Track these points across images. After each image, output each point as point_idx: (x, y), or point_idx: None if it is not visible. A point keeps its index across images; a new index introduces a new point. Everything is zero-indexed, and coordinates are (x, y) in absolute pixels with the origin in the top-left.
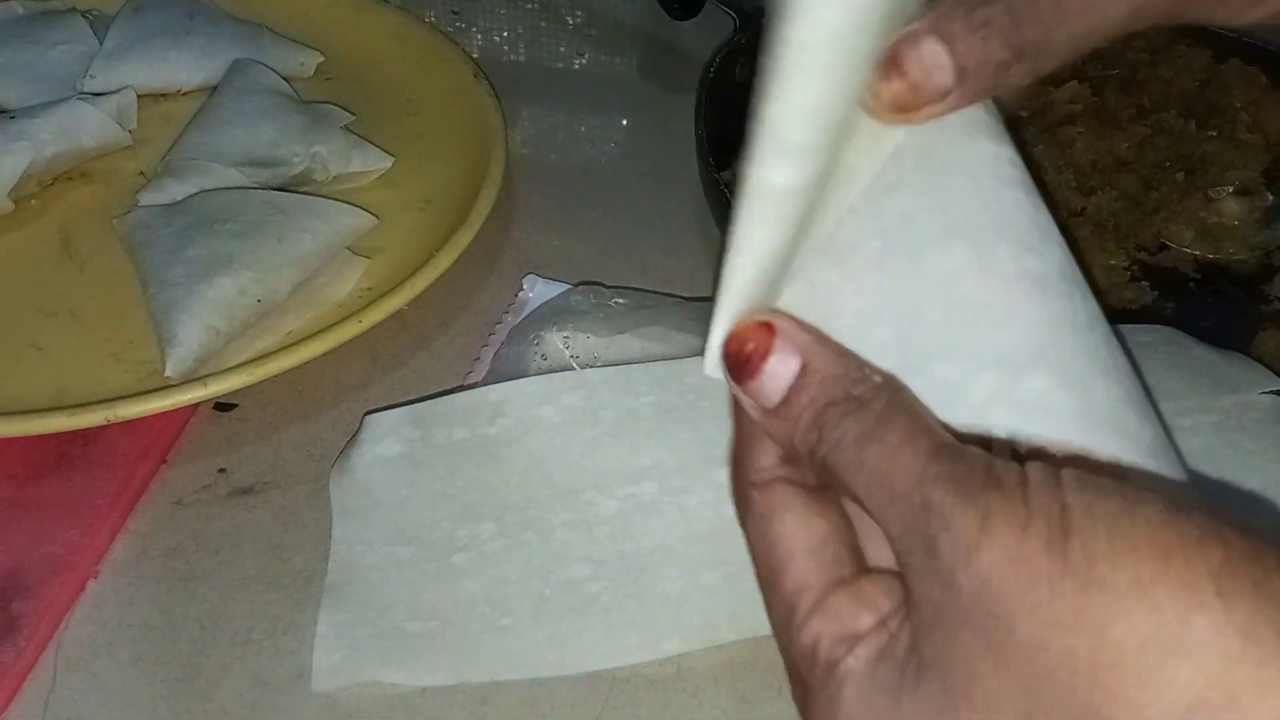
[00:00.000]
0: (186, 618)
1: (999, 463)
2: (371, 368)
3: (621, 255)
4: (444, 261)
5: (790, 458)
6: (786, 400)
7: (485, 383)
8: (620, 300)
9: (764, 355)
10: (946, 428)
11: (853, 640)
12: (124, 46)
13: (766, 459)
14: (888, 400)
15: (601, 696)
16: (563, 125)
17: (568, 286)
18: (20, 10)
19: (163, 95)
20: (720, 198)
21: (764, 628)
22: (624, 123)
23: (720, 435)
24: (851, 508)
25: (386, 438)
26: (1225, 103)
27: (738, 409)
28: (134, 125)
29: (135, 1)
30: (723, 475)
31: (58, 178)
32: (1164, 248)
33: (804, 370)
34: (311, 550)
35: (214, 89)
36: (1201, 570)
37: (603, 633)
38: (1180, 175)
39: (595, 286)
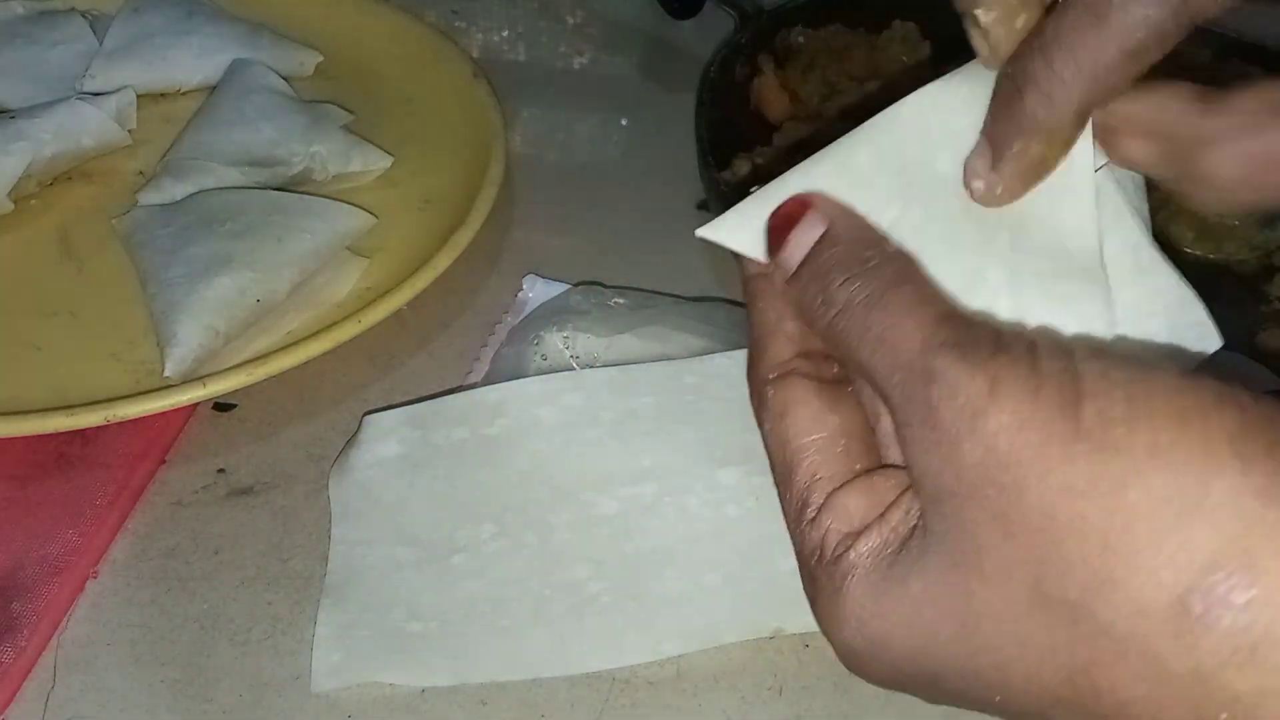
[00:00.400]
0: (186, 618)
1: (1007, 332)
2: (371, 368)
3: (621, 255)
4: (443, 261)
5: (806, 350)
6: (805, 262)
7: (485, 383)
8: (620, 300)
9: (795, 223)
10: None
11: (859, 533)
12: (124, 46)
13: (782, 352)
14: (898, 268)
15: (601, 697)
16: (563, 125)
17: (568, 286)
18: (20, 10)
19: (162, 95)
20: (721, 197)
21: (764, 629)
22: (624, 123)
23: (721, 436)
24: (868, 404)
25: (386, 438)
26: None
27: (756, 298)
28: (133, 125)
29: (135, 1)
30: (724, 476)
31: (57, 178)
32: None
33: (826, 235)
34: (311, 550)
35: (213, 89)
36: (1219, 434)
37: (603, 634)
38: None
39: (595, 286)
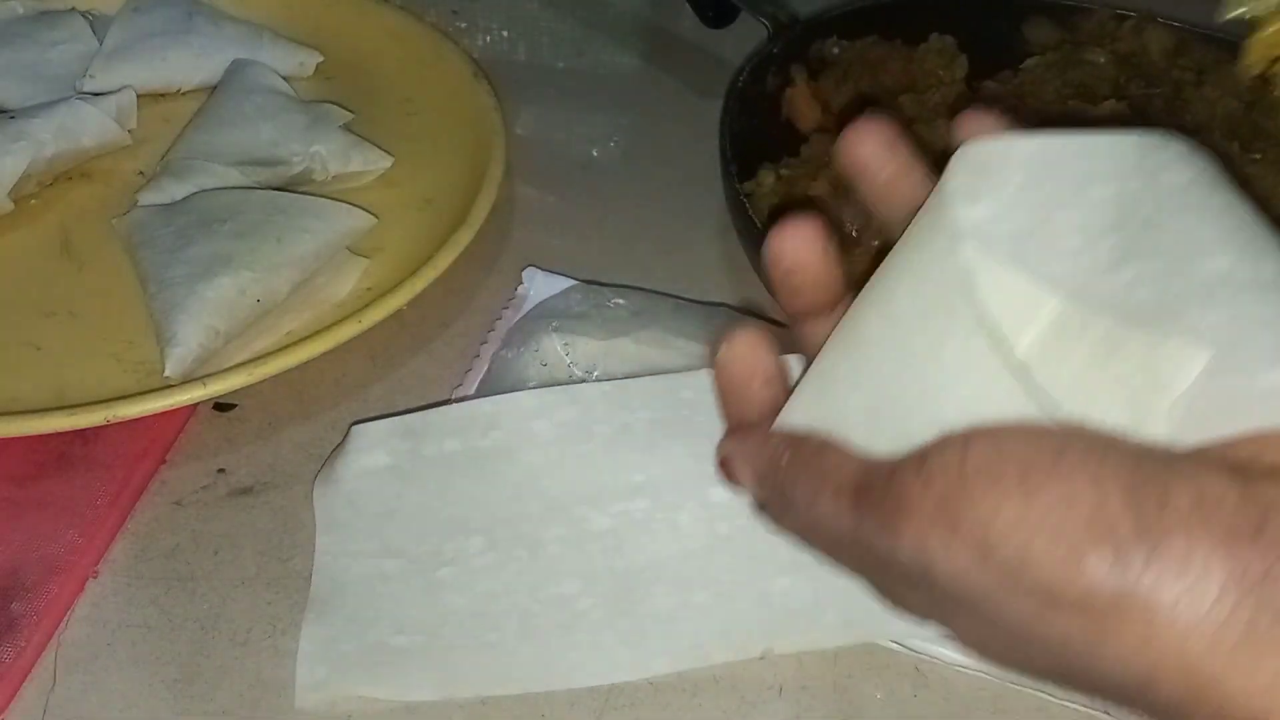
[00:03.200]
0: (186, 618)
1: (900, 480)
2: (371, 368)
3: (621, 255)
4: (444, 261)
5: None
6: (765, 505)
7: (483, 384)
8: (620, 301)
9: (735, 479)
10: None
11: None
12: (124, 46)
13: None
14: (803, 481)
15: (601, 697)
16: (563, 125)
17: (567, 280)
18: (20, 10)
19: (162, 95)
20: (741, 209)
21: (754, 649)
22: (624, 122)
23: (713, 452)
24: None
25: (374, 449)
26: (1272, 125)
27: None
28: (134, 125)
29: (135, 1)
30: (715, 493)
31: (58, 178)
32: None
33: (752, 482)
34: (311, 550)
35: (213, 89)
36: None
37: (592, 650)
38: None
39: (595, 286)
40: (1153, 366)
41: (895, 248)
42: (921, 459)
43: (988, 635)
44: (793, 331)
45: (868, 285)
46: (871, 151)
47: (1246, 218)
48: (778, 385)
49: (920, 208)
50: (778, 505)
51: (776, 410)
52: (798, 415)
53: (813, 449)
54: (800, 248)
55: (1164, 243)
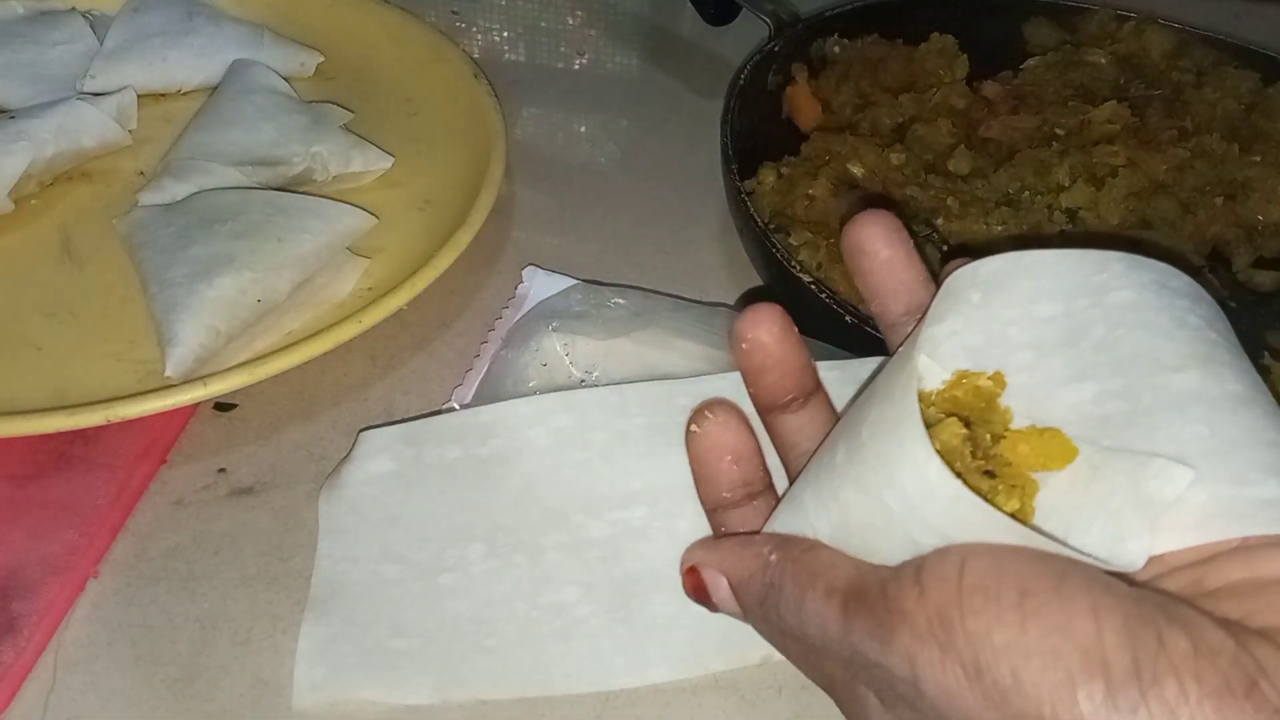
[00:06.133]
0: (186, 618)
1: (894, 591)
2: (371, 368)
3: (621, 255)
4: (444, 261)
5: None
6: (740, 606)
7: (483, 382)
8: (620, 301)
9: (702, 588)
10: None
11: None
12: (124, 46)
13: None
14: (792, 579)
15: (601, 697)
16: (563, 125)
17: (567, 278)
18: (20, 10)
19: (163, 95)
20: (742, 207)
21: (752, 657)
22: (624, 123)
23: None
24: None
25: (380, 454)
26: (1272, 127)
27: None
28: (134, 125)
29: (135, 1)
30: None
31: (58, 178)
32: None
33: (730, 582)
34: (311, 550)
35: (214, 89)
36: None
37: (590, 657)
38: (1219, 200)
39: (595, 286)
40: (1138, 485)
41: (878, 371)
42: (918, 570)
43: None
44: (766, 427)
45: (844, 413)
46: (873, 235)
47: (1197, 332)
48: (750, 464)
49: (910, 299)
50: (761, 610)
51: (749, 489)
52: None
53: (802, 548)
54: (760, 328)
55: (1122, 361)
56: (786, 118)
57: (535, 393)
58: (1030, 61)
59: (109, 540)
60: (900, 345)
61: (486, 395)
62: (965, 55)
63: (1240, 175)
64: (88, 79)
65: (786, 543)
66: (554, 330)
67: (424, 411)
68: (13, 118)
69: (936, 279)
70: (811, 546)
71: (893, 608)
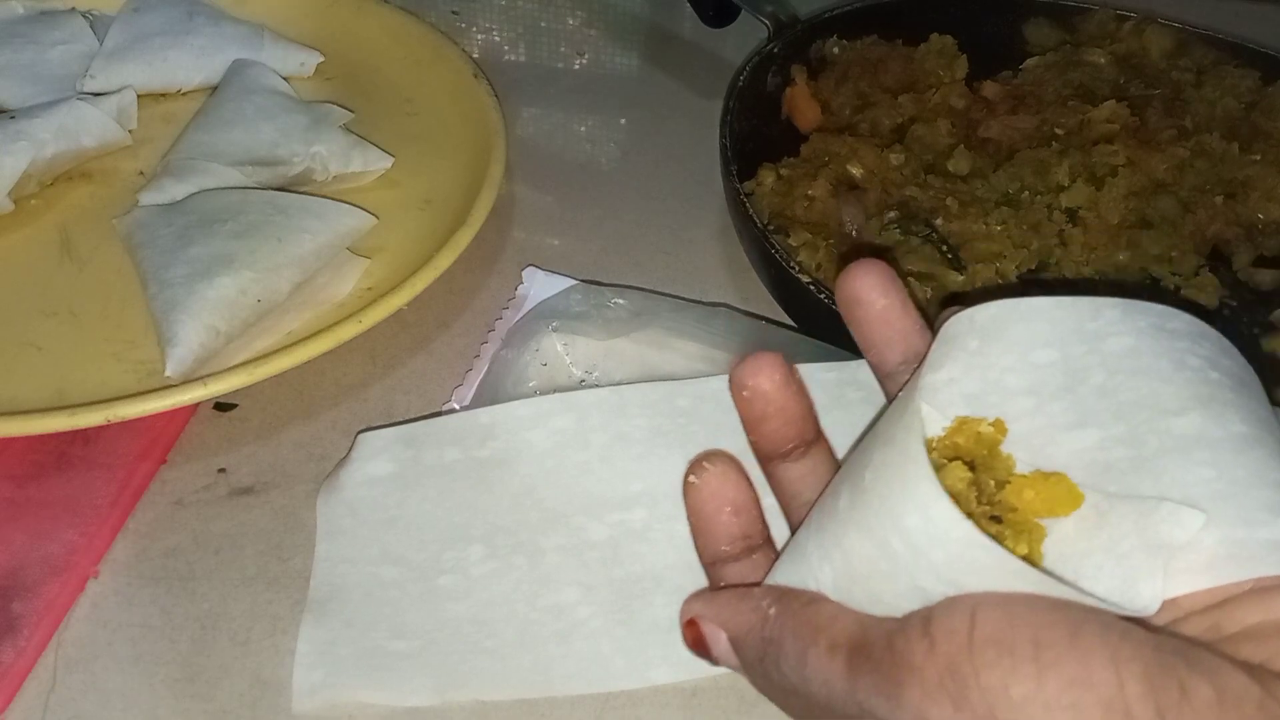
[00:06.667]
0: (186, 618)
1: (901, 644)
2: (371, 368)
3: (621, 255)
4: (444, 261)
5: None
6: (740, 661)
7: (483, 382)
8: (620, 301)
9: (702, 642)
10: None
11: None
12: (124, 46)
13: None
14: (792, 634)
15: (601, 697)
16: (563, 125)
17: (567, 279)
18: (20, 10)
19: (163, 95)
20: (742, 208)
21: None
22: (623, 123)
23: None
24: None
25: (378, 456)
26: (1272, 126)
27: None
28: (134, 125)
29: (135, 1)
30: None
31: (58, 178)
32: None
33: (730, 638)
34: (311, 550)
35: (214, 89)
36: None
37: (589, 658)
38: (1219, 199)
39: (595, 286)
40: (1147, 529)
41: (876, 421)
42: (926, 621)
43: None
44: (766, 475)
45: (845, 460)
46: (868, 285)
47: (1198, 373)
48: (748, 516)
49: (906, 347)
50: (761, 666)
51: (748, 541)
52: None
53: (803, 602)
54: (761, 375)
55: (1123, 406)
56: (786, 119)
57: (535, 393)
58: (1030, 61)
59: (109, 540)
60: (899, 391)
61: (486, 395)
62: (965, 55)
63: (1240, 174)
64: (88, 79)
65: (786, 596)
66: (554, 330)
67: (424, 411)
68: (13, 118)
69: (931, 325)
70: (812, 600)
71: (900, 662)
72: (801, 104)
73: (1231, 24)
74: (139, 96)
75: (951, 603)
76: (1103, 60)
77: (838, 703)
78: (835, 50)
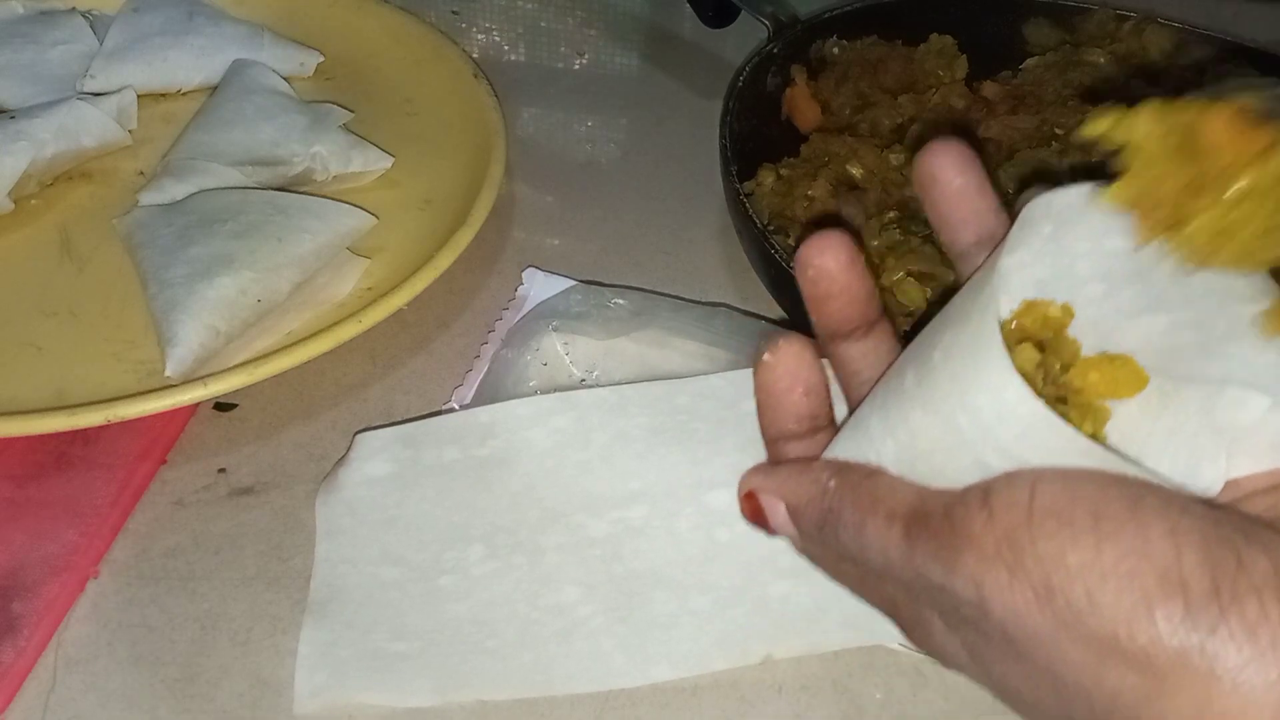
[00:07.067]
0: (186, 618)
1: (960, 514)
2: (371, 368)
3: (621, 255)
4: (444, 261)
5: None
6: (798, 532)
7: (483, 382)
8: (620, 301)
9: (759, 513)
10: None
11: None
12: (124, 46)
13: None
14: (851, 503)
15: (601, 697)
16: (563, 125)
17: (567, 280)
18: (20, 10)
19: (163, 95)
20: (741, 209)
21: (754, 656)
22: (624, 122)
23: (711, 458)
24: None
25: (376, 456)
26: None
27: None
28: (134, 125)
29: (135, 1)
30: (713, 499)
31: (58, 178)
32: None
33: (788, 508)
34: (311, 550)
35: (214, 89)
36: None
37: (591, 656)
38: None
39: (595, 286)
40: (1212, 412)
41: (949, 301)
42: (985, 494)
43: (1030, 685)
44: (826, 353)
45: (913, 342)
46: (946, 164)
47: None
48: (818, 397)
49: (980, 228)
50: (820, 534)
51: (815, 422)
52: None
53: (862, 475)
54: (826, 255)
55: (1194, 293)
56: (786, 119)
57: (535, 392)
58: (1030, 61)
59: (109, 540)
60: (974, 273)
61: (486, 395)
62: (964, 55)
63: None
64: (88, 79)
65: (845, 469)
66: (554, 330)
67: (424, 411)
68: (13, 118)
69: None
70: (872, 473)
71: (958, 531)
72: (801, 104)
73: (1231, 24)
74: (139, 96)
75: (1011, 476)
76: (1103, 60)
77: (894, 569)
78: (835, 50)
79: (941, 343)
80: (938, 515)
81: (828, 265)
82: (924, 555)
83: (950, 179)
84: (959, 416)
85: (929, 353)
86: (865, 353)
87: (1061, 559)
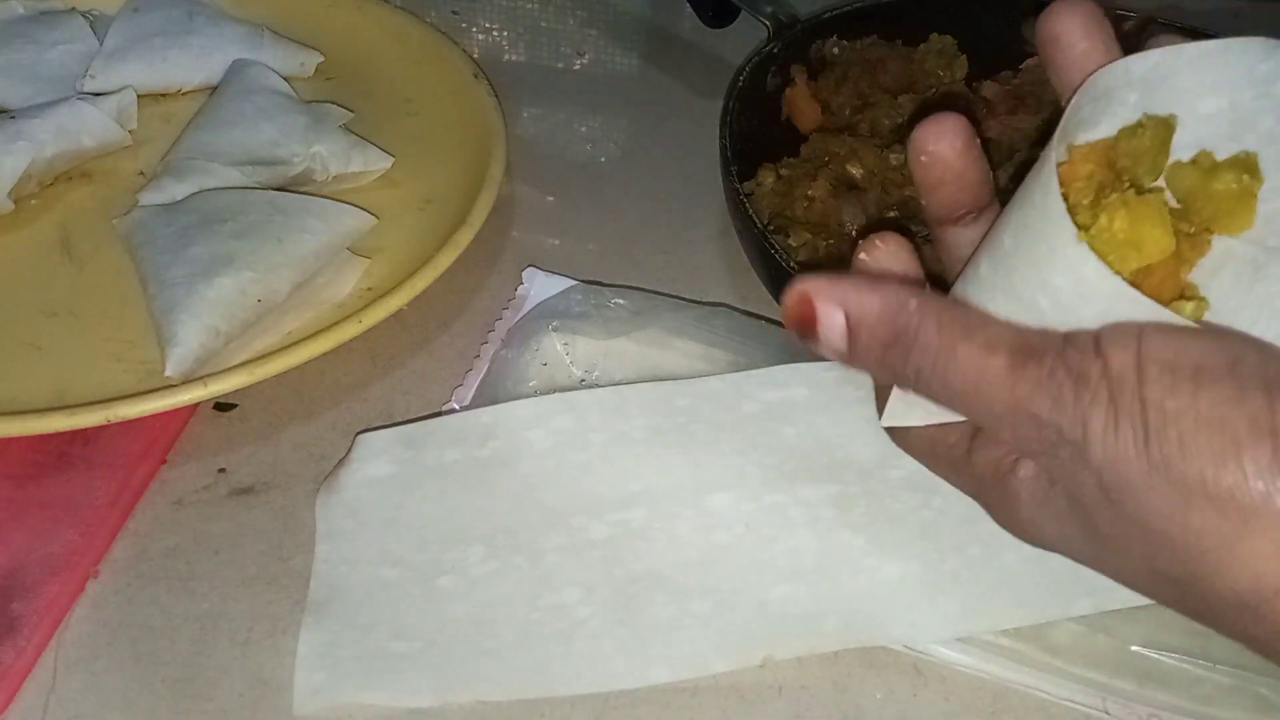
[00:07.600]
0: (186, 618)
1: (1073, 356)
2: (371, 368)
3: (621, 255)
4: (444, 261)
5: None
6: (851, 348)
7: (483, 382)
8: (620, 301)
9: (809, 320)
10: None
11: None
12: (124, 46)
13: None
14: (935, 326)
15: (601, 697)
16: (563, 125)
17: (567, 280)
18: (20, 10)
19: (163, 95)
20: (741, 209)
21: (754, 658)
22: (624, 123)
23: (711, 460)
24: None
25: (377, 458)
26: None
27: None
28: (134, 125)
29: (135, 1)
30: (713, 501)
31: (58, 178)
32: None
33: (849, 319)
34: (311, 550)
35: (214, 89)
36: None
37: (590, 658)
38: None
39: (595, 286)
40: None
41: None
42: (1096, 337)
43: (1117, 534)
44: (934, 239)
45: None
46: (1070, 26)
47: None
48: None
49: None
50: (884, 354)
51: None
52: None
53: (946, 301)
54: (943, 141)
55: None
56: (786, 119)
57: (535, 393)
58: (1030, 61)
59: (109, 540)
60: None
61: (486, 395)
62: (964, 55)
63: None
64: (88, 79)
65: (927, 294)
66: (554, 330)
67: (424, 412)
68: (13, 118)
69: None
70: (959, 302)
71: (1071, 367)
72: (801, 104)
73: (1231, 24)
74: (139, 96)
75: (1120, 326)
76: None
77: (986, 394)
78: (835, 50)
79: (1010, 225)
80: (1050, 352)
81: (944, 152)
82: (1031, 386)
83: (1074, 42)
84: (1040, 298)
85: (1000, 237)
86: (974, 238)
87: (1161, 404)
